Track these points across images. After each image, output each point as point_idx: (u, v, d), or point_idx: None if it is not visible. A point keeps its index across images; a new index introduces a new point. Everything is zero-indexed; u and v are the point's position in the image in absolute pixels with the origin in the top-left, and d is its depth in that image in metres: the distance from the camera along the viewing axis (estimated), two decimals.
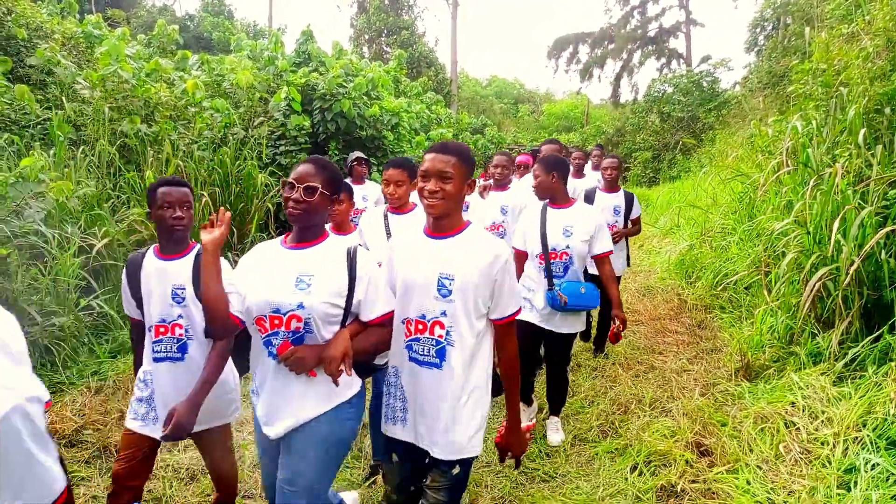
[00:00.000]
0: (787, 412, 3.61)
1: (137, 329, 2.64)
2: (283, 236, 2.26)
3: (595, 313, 5.48)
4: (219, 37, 19.32)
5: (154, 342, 2.52)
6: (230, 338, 2.39)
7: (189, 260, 2.55)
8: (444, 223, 2.18)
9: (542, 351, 4.31)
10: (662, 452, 3.56)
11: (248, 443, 3.79)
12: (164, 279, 2.52)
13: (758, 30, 21.17)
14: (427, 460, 2.22)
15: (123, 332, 5.02)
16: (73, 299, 4.81)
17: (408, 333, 2.19)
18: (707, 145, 14.62)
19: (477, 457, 2.27)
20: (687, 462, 3.43)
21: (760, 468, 3.25)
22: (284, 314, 2.04)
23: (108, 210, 5.51)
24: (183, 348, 2.52)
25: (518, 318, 3.22)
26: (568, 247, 3.57)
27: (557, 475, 3.58)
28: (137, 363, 2.68)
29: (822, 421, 3.43)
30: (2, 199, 4.56)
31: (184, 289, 2.50)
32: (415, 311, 2.17)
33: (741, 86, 18.70)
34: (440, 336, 2.14)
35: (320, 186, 2.11)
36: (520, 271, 3.77)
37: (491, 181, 4.71)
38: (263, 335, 2.09)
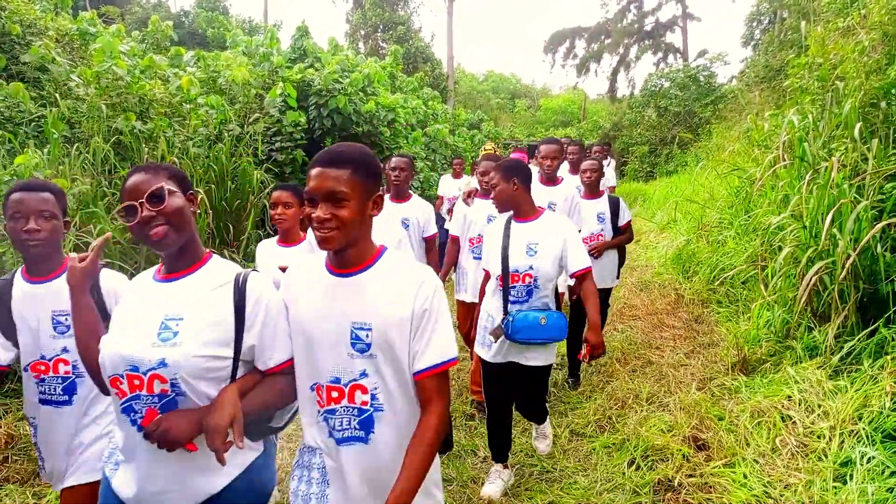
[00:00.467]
0: (783, 406, 3.62)
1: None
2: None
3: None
4: (214, 33, 19.24)
5: (36, 382, 2.06)
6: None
7: None
8: (350, 255, 1.67)
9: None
10: (659, 447, 3.57)
11: None
12: (37, 306, 2.05)
13: (754, 24, 21.23)
14: None
15: None
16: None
17: (321, 403, 1.69)
18: (704, 140, 14.63)
19: None
20: (684, 456, 3.44)
21: (757, 462, 3.26)
22: (144, 373, 1.55)
23: (102, 208, 5.49)
24: (70, 389, 2.05)
25: (482, 357, 3.11)
26: (532, 267, 3.03)
27: (555, 470, 3.59)
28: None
29: (819, 414, 3.44)
30: None
31: (68, 315, 1.98)
32: (326, 373, 1.67)
33: (738, 80, 18.72)
34: (363, 403, 1.66)
35: (169, 188, 1.64)
36: (481, 296, 3.40)
37: (477, 185, 4.44)
38: (121, 400, 1.59)
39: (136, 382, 1.55)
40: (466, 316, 4.31)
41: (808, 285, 4.06)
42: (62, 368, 2.05)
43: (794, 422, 3.46)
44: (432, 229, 4.31)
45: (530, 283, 3.05)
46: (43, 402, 2.06)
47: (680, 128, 18.55)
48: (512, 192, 3.08)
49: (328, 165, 1.59)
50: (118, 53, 6.51)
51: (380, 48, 26.33)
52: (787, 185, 5.27)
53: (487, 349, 3.19)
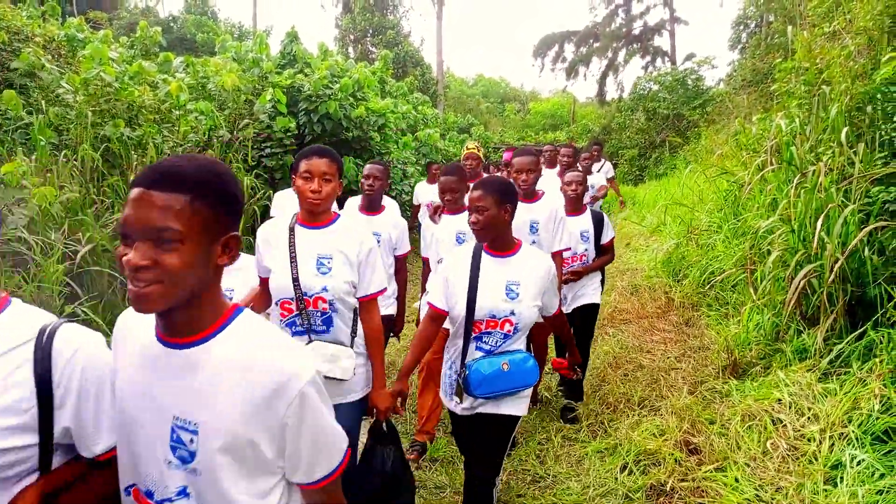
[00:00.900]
0: (773, 409, 3.65)
1: None
2: None
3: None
4: (203, 38, 19.16)
5: None
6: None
7: None
8: (180, 320, 1.19)
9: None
10: (652, 451, 3.59)
11: None
12: None
13: (741, 27, 21.39)
14: None
15: (109, 338, 4.96)
16: (57, 306, 4.75)
17: None
18: (692, 142, 14.71)
19: None
20: (676, 461, 3.46)
21: (748, 465, 3.28)
22: None
23: (91, 215, 5.45)
24: None
25: (449, 408, 2.78)
26: (513, 313, 2.52)
27: (548, 476, 3.60)
28: None
29: (809, 417, 3.46)
30: None
31: None
32: (144, 478, 1.23)
33: (725, 83, 18.85)
34: None
35: None
36: (430, 337, 2.74)
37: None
38: None
39: None
40: (439, 343, 3.55)
41: (796, 289, 4.09)
42: None
43: (785, 425, 3.48)
44: (404, 247, 3.96)
45: (509, 330, 2.54)
46: None
47: (669, 131, 18.65)
48: (502, 222, 2.55)
49: (154, 187, 1.10)
50: (107, 60, 6.48)
51: (369, 53, 26.31)
52: (775, 188, 5.31)
53: (452, 400, 2.73)
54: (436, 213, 3.95)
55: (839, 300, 3.96)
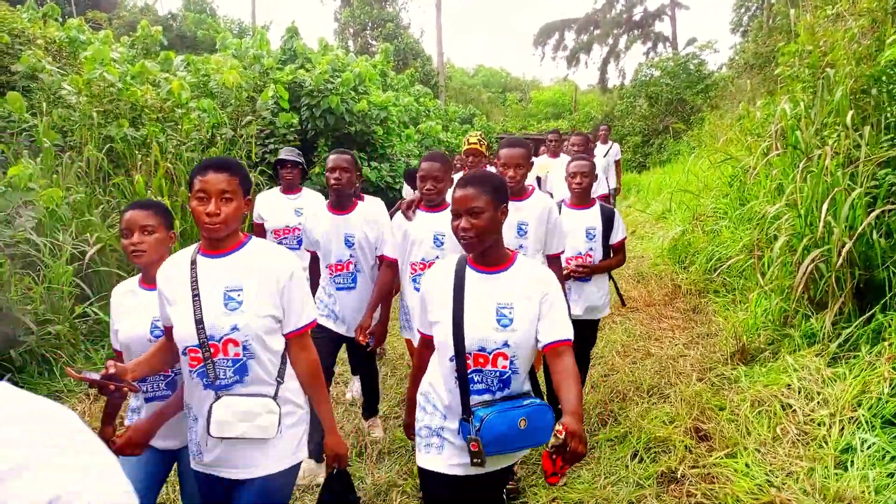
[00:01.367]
0: (783, 394, 3.66)
1: None
2: None
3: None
4: (203, 35, 19.16)
5: None
6: None
7: None
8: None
9: None
10: (662, 439, 3.60)
11: None
12: None
13: (742, 10, 21.24)
14: None
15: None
16: (67, 307, 4.79)
17: None
18: (696, 128, 14.64)
19: None
20: (686, 448, 3.47)
21: (759, 451, 3.29)
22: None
23: (98, 216, 5.48)
24: None
25: (423, 466, 2.12)
26: (507, 344, 1.97)
27: None
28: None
29: (818, 402, 3.47)
30: None
31: None
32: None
33: (728, 67, 18.74)
34: None
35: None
36: (420, 368, 2.24)
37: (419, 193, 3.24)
38: None
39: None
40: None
41: (804, 273, 4.09)
42: None
43: (794, 410, 3.49)
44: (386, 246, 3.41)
45: (505, 367, 1.99)
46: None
47: (672, 117, 18.57)
48: (498, 228, 2.04)
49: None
50: (109, 60, 6.49)
51: (369, 46, 26.25)
52: (780, 173, 5.29)
53: (436, 452, 2.10)
54: (410, 207, 3.21)
55: (847, 284, 3.96)
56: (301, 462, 2.12)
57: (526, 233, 3.17)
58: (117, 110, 6.37)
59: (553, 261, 3.29)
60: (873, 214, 3.79)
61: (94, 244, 5.19)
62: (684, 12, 37.20)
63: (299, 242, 4.11)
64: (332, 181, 3.31)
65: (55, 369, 4.49)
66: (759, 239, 5.07)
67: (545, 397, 2.42)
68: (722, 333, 5.09)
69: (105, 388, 1.86)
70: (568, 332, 1.99)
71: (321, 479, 3.21)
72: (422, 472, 2.14)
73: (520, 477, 3.40)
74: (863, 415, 3.17)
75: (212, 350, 1.93)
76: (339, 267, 3.46)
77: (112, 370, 1.87)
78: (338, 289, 3.49)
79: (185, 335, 1.94)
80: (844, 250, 3.80)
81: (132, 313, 2.26)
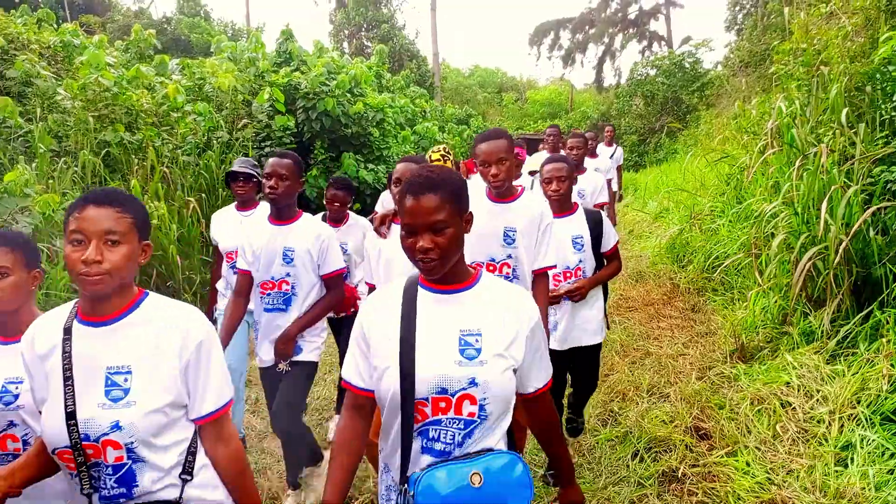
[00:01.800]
0: (782, 392, 3.66)
1: None
2: None
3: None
4: (197, 39, 19.14)
5: None
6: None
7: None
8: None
9: None
10: (662, 438, 3.61)
11: None
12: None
13: (737, 8, 21.29)
14: None
15: None
16: None
17: None
18: (692, 127, 14.68)
19: None
20: (687, 447, 3.48)
21: (759, 449, 3.30)
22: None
23: None
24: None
25: None
26: (475, 382, 1.51)
27: None
28: None
29: (818, 399, 3.48)
30: None
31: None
32: None
33: (723, 66, 18.79)
34: None
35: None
36: (354, 440, 1.63)
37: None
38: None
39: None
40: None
41: (802, 271, 4.09)
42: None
43: (794, 408, 3.50)
44: (331, 264, 2.96)
45: (472, 414, 1.52)
46: None
47: (668, 116, 18.61)
48: (462, 240, 1.58)
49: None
50: (104, 65, 6.48)
51: (365, 47, 26.27)
52: (777, 171, 5.31)
53: None
54: (383, 223, 2.84)
55: (845, 281, 3.97)
56: None
57: (514, 241, 2.68)
58: (113, 115, 6.36)
59: (540, 278, 2.78)
60: (869, 211, 3.80)
61: None
62: (679, 11, 37.28)
63: None
64: (267, 189, 2.85)
65: None
66: (756, 237, 5.08)
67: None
68: (721, 332, 5.10)
69: None
70: (549, 373, 1.70)
71: None
72: None
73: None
74: (862, 412, 3.17)
75: (88, 453, 1.45)
76: (271, 285, 2.92)
77: None
78: (266, 310, 2.95)
79: (53, 433, 1.46)
80: (841, 248, 3.82)
81: None
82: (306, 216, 3.01)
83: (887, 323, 3.60)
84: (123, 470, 1.46)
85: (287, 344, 2.90)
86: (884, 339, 3.52)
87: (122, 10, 23.70)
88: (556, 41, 32.16)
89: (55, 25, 9.07)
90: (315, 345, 3.05)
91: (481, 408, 1.51)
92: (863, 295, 4.02)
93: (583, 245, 3.17)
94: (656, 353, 5.01)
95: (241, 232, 3.05)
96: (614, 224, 4.16)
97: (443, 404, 1.51)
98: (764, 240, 4.99)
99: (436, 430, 1.52)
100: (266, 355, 2.99)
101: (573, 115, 28.21)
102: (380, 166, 9.77)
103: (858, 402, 3.27)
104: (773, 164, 5.43)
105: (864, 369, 3.45)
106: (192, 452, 1.57)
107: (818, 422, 3.33)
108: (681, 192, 8.89)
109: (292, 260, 2.89)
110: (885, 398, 3.17)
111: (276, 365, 2.96)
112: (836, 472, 2.96)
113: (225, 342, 2.91)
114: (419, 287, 1.63)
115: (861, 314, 3.84)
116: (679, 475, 3.27)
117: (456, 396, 1.50)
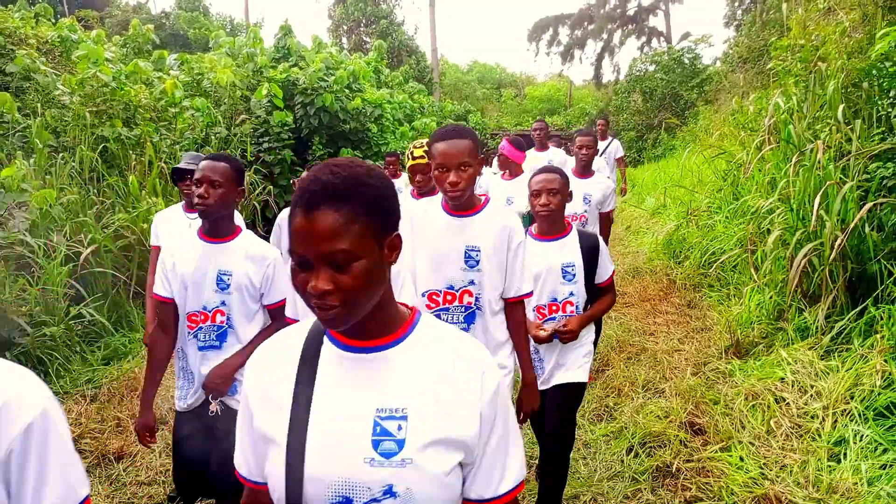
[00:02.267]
0: (776, 388, 3.68)
1: None
2: None
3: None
4: (195, 34, 19.10)
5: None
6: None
7: None
8: None
9: None
10: (657, 433, 3.62)
11: None
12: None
13: (735, 4, 21.25)
14: None
15: (115, 338, 5.01)
16: (62, 308, 4.78)
17: None
18: (690, 123, 14.68)
19: None
20: (681, 442, 3.49)
21: (753, 444, 3.32)
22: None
23: (92, 216, 5.47)
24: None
25: None
26: (393, 492, 0.99)
27: None
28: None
29: (812, 395, 3.49)
30: None
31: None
32: None
33: (721, 61, 18.77)
34: None
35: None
36: None
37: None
38: None
39: None
40: None
41: (797, 267, 4.11)
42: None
43: (788, 403, 3.51)
44: (273, 294, 2.46)
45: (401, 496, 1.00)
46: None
47: (666, 112, 18.60)
48: (385, 275, 1.05)
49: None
50: (102, 60, 6.48)
51: (363, 43, 26.20)
52: (773, 167, 5.32)
53: None
54: None
55: (840, 277, 3.98)
56: None
57: (478, 263, 2.22)
58: (111, 110, 6.36)
59: (515, 307, 2.34)
60: (865, 208, 3.81)
61: (89, 245, 5.18)
62: (678, 6, 37.17)
63: None
64: (196, 198, 2.28)
65: (50, 371, 4.48)
66: (752, 233, 5.09)
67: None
68: (716, 328, 5.11)
69: None
70: (520, 474, 1.11)
71: None
72: None
73: None
74: (855, 407, 3.19)
75: None
76: (202, 317, 2.38)
77: None
78: (199, 348, 2.40)
79: None
80: (837, 244, 3.83)
81: None
82: (247, 234, 2.49)
83: (881, 319, 3.62)
84: None
85: (224, 379, 2.37)
86: (878, 335, 3.53)
87: (121, 4, 23.62)
88: (554, 37, 32.10)
89: (53, 20, 9.04)
90: None
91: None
92: (857, 291, 4.04)
93: (574, 275, 2.69)
94: (652, 349, 5.02)
95: (165, 250, 2.47)
96: (612, 223, 3.84)
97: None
98: (760, 236, 5.00)
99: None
100: (191, 397, 2.45)
101: (572, 112, 28.18)
102: (378, 162, 9.78)
103: (852, 398, 3.29)
104: (770, 161, 5.44)
105: (857, 365, 3.46)
106: None
107: (812, 417, 3.35)
108: (678, 189, 8.90)
109: (228, 286, 2.35)
110: (879, 394, 3.19)
111: (206, 405, 2.41)
112: (829, 466, 2.97)
113: (152, 390, 2.45)
114: (325, 338, 1.11)
115: (855, 310, 3.86)
116: (673, 470, 3.28)
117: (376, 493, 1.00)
